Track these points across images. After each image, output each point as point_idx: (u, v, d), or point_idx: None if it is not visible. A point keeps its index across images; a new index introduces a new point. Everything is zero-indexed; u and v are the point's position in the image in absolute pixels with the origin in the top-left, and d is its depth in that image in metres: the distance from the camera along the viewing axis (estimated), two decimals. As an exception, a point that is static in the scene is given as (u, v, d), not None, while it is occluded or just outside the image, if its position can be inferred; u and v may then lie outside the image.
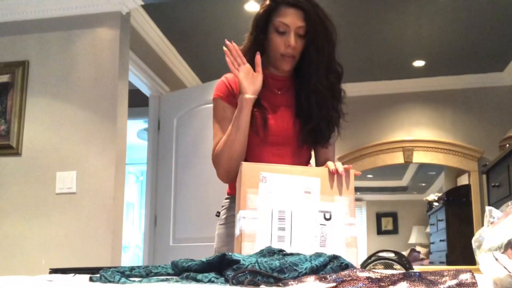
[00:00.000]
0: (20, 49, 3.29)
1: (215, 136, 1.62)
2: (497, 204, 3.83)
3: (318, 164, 1.68)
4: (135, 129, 6.49)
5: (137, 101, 4.24)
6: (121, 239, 3.14)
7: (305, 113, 1.59)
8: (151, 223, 3.96)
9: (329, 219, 1.22)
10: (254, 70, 1.55)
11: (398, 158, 4.80)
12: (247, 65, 1.54)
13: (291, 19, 1.53)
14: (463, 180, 4.95)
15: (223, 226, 1.70)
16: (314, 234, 1.20)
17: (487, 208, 0.79)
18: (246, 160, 1.57)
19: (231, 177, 1.57)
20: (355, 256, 1.21)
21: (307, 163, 1.69)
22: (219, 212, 1.75)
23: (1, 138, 3.18)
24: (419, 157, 4.77)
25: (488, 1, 3.54)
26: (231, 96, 1.62)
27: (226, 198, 1.75)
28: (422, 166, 5.24)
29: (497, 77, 4.74)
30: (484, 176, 4.51)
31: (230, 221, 1.66)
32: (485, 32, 3.97)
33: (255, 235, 1.18)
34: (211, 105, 1.69)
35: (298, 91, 1.61)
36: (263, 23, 1.58)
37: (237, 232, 1.22)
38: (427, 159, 4.78)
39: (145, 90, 4.15)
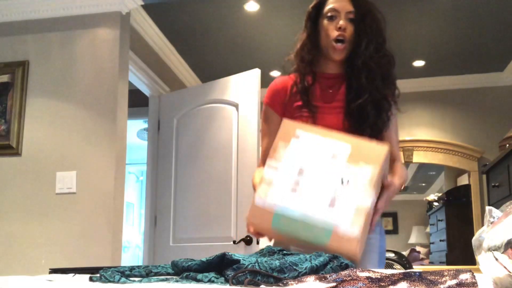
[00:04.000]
0: (20, 49, 3.29)
1: (261, 139, 1.74)
2: (497, 204, 3.83)
3: None
4: (135, 129, 6.50)
5: (137, 101, 4.24)
6: (121, 239, 3.14)
7: (353, 94, 1.58)
8: (151, 223, 3.96)
9: (346, 184, 1.22)
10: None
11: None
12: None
13: (340, 4, 1.58)
14: (463, 180, 4.96)
15: None
16: (326, 193, 1.22)
17: (487, 208, 0.79)
18: None
19: None
20: (360, 225, 1.17)
21: None
22: None
23: (1, 138, 3.18)
24: (419, 157, 4.76)
25: (488, 1, 3.54)
26: (278, 103, 1.68)
27: None
28: (422, 166, 5.24)
29: (497, 77, 4.74)
30: (484, 176, 4.51)
31: None
32: (485, 32, 3.97)
33: (272, 182, 1.25)
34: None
35: (349, 81, 1.61)
36: (315, 16, 1.63)
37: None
38: (427, 159, 4.78)
39: (145, 90, 4.15)
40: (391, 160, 1.59)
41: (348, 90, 1.61)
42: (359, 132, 1.56)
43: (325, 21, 1.60)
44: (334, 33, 1.58)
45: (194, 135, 3.81)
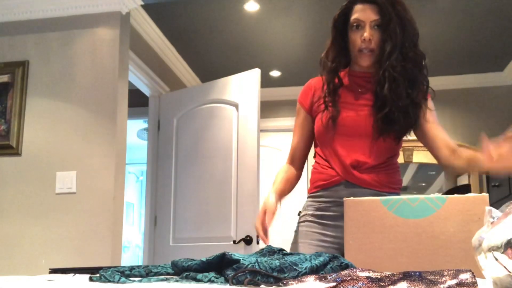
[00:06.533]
0: (20, 49, 3.29)
1: (292, 135, 1.81)
2: (497, 204, 3.82)
3: (429, 143, 1.65)
4: (135, 129, 6.50)
5: (137, 101, 4.24)
6: (121, 239, 3.14)
7: (379, 103, 1.60)
8: (151, 223, 3.96)
9: None
10: None
11: (398, 158, 4.78)
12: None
13: (364, 14, 1.60)
14: (463, 180, 4.95)
15: (298, 225, 1.77)
16: None
17: (487, 208, 0.79)
18: (322, 154, 1.69)
19: None
20: None
21: (390, 157, 1.69)
22: (300, 212, 1.82)
23: (1, 138, 3.18)
24: (419, 157, 4.76)
25: (487, 1, 3.54)
26: (307, 99, 1.76)
27: (307, 197, 1.80)
28: (422, 166, 5.24)
29: (497, 77, 4.74)
30: (484, 176, 4.51)
31: (301, 221, 1.75)
32: (485, 32, 3.96)
33: None
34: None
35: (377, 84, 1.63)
36: (341, 24, 1.65)
37: None
38: (427, 159, 4.78)
39: (145, 90, 4.15)
40: (451, 149, 1.57)
41: (375, 96, 1.63)
42: (386, 131, 1.60)
43: (351, 31, 1.63)
44: (359, 44, 1.61)
45: (194, 135, 3.81)
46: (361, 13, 1.60)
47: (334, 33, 1.67)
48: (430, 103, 1.65)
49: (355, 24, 1.61)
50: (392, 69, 1.57)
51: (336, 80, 1.67)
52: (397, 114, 1.57)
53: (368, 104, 1.64)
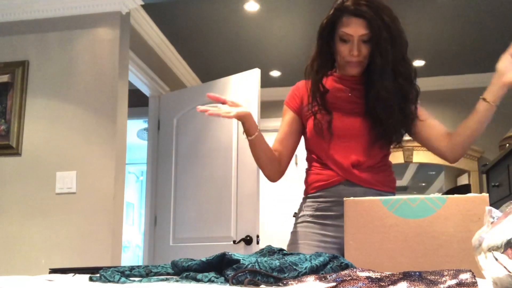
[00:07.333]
0: (20, 49, 3.29)
1: (278, 131, 1.80)
2: (497, 204, 3.82)
3: (426, 142, 1.70)
4: (135, 129, 6.50)
5: (137, 101, 4.24)
6: (121, 239, 3.14)
7: (374, 116, 1.61)
8: (151, 223, 3.96)
9: None
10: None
11: (398, 158, 4.80)
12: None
13: (353, 28, 1.56)
14: (463, 180, 4.95)
15: (295, 226, 1.76)
16: None
17: (487, 208, 0.79)
18: (316, 156, 1.68)
19: (270, 177, 1.75)
20: None
21: (383, 158, 1.70)
22: (295, 213, 1.81)
23: (1, 138, 3.18)
24: (419, 157, 4.76)
25: (488, 1, 3.54)
26: (294, 101, 1.75)
27: (304, 198, 1.79)
28: (422, 166, 5.25)
29: (497, 77, 4.73)
30: (484, 176, 4.51)
31: (299, 222, 1.73)
32: (485, 32, 3.96)
33: None
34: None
35: (367, 93, 1.63)
36: (328, 32, 1.63)
37: None
38: (427, 159, 4.78)
39: (145, 90, 4.15)
40: (447, 134, 1.70)
41: (367, 107, 1.63)
42: (383, 138, 1.62)
43: (339, 42, 1.60)
44: (347, 56, 1.60)
45: (194, 135, 3.81)
46: (349, 27, 1.56)
47: (321, 43, 1.65)
48: (419, 109, 1.70)
49: (343, 37, 1.58)
50: (384, 89, 1.57)
51: (321, 89, 1.66)
52: (392, 128, 1.61)
53: (359, 103, 1.64)
